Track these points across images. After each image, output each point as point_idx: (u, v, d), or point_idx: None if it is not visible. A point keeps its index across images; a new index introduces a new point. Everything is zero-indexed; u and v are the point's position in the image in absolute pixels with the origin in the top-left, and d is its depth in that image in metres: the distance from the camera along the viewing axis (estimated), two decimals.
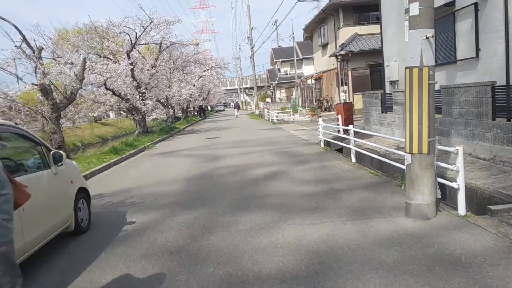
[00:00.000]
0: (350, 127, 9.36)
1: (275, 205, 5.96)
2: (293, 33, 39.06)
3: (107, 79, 18.20)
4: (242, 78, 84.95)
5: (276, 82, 53.08)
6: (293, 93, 47.12)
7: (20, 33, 11.82)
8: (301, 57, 51.94)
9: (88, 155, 36.25)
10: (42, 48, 12.31)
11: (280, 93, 54.44)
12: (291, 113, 27.01)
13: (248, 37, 40.12)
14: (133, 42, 19.11)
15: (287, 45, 60.37)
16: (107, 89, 19.22)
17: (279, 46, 60.90)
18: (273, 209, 5.76)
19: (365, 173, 7.89)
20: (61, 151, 4.95)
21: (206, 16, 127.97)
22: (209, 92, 57.08)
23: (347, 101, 22.29)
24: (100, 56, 19.81)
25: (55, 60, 14.15)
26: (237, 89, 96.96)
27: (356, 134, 13.59)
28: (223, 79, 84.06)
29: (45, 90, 11.43)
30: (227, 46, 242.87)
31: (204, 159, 11.46)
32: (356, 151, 9.29)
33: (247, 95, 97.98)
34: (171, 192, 7.51)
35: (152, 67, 21.83)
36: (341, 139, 12.73)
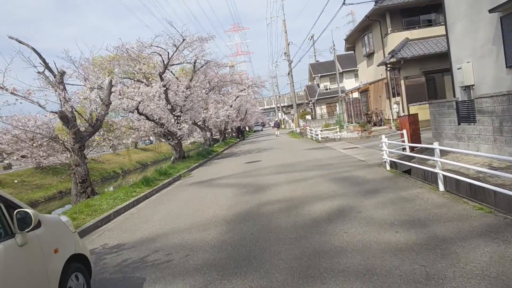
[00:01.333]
0: (435, 144, 7.18)
1: (359, 271, 3.95)
2: (334, 45, 37.22)
3: (139, 103, 16.99)
4: (279, 97, 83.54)
5: (315, 98, 51.04)
6: (337, 108, 44.90)
7: (40, 57, 10.69)
8: (341, 70, 49.80)
9: (123, 183, 35.40)
10: (64, 72, 11.13)
11: (321, 110, 52.25)
12: (338, 129, 24.82)
13: (285, 53, 38.58)
14: (165, 62, 17.90)
15: (325, 60, 58.45)
16: (140, 114, 18.03)
17: (317, 61, 59.08)
18: (358, 280, 3.76)
19: (468, 208, 5.70)
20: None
21: (241, 38, 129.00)
22: (246, 112, 55.94)
23: (402, 113, 19.90)
24: (133, 80, 18.76)
25: (86, 86, 13.02)
26: (274, 108, 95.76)
27: (425, 150, 11.33)
28: (260, 99, 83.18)
29: (65, 118, 10.14)
30: (262, 66, 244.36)
31: (246, 190, 9.60)
32: (445, 176, 7.09)
33: (285, 113, 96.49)
34: (207, 243, 5.66)
35: (186, 88, 20.57)
36: (408, 158, 10.52)
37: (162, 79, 18.17)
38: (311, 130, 30.73)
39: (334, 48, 37.75)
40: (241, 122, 53.20)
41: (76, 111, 11.19)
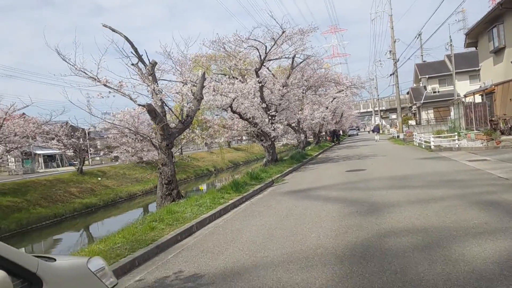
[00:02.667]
0: None
1: None
2: (451, 40, 32.43)
3: (233, 100, 15.89)
4: (377, 100, 78.55)
5: (422, 101, 46.21)
6: (451, 113, 39.98)
7: (132, 46, 9.95)
8: (453, 71, 44.36)
9: (215, 181, 35.15)
10: (156, 63, 10.28)
11: (427, 114, 47.19)
12: (456, 137, 21.25)
13: (390, 51, 35.18)
14: (262, 57, 16.58)
15: (433, 60, 52.81)
16: (234, 112, 16.97)
17: (424, 61, 53.66)
18: None
19: None
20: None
21: (338, 40, 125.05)
22: (342, 115, 53.07)
23: None
24: (227, 76, 17.81)
25: (179, 80, 12.21)
26: (371, 111, 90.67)
27: None
28: (356, 102, 78.85)
29: (153, 112, 9.20)
30: (358, 69, 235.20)
31: (356, 209, 7.60)
32: None
33: (382, 118, 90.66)
34: None
35: (283, 86, 19.07)
36: None
37: (258, 76, 16.90)
38: (419, 136, 27.23)
39: (450, 44, 33.09)
40: (336, 126, 50.58)
41: (166, 105, 10.29)
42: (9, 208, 18.95)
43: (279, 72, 20.57)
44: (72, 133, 27.47)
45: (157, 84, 10.02)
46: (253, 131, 18.79)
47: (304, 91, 22.66)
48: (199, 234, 7.05)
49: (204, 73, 11.23)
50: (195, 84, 12.65)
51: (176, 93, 11.21)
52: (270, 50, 16.41)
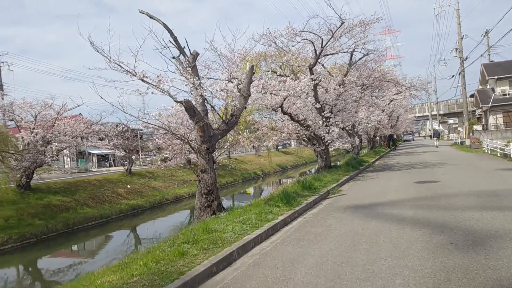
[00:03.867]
0: None
1: None
2: None
3: (284, 100, 14.32)
4: (437, 103, 73.62)
5: (489, 105, 42.01)
6: None
7: (171, 34, 8.68)
8: None
9: (263, 186, 33.66)
10: (197, 54, 8.95)
11: (495, 119, 42.86)
12: None
13: (456, 49, 31.93)
14: (317, 52, 14.87)
15: (502, 59, 48.02)
16: (284, 113, 15.40)
17: (491, 61, 48.98)
18: None
19: None
20: None
21: (392, 42, 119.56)
22: (398, 119, 49.76)
23: None
24: (277, 73, 16.28)
25: (224, 76, 10.83)
26: (427, 116, 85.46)
27: None
28: (410, 105, 74.22)
29: (192, 110, 7.84)
30: (413, 71, 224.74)
31: (448, 239, 5.70)
32: None
33: (440, 122, 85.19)
34: None
35: (339, 85, 17.21)
36: None
37: (312, 73, 15.20)
38: (491, 143, 24.17)
39: None
40: (391, 130, 47.46)
41: (208, 103, 8.92)
42: (57, 208, 18.78)
43: (335, 70, 18.72)
44: (122, 134, 27.36)
45: (198, 78, 8.67)
46: (305, 134, 17.10)
47: (362, 91, 20.56)
48: (241, 264, 5.51)
49: (252, 66, 9.76)
50: (241, 82, 11.25)
51: (221, 90, 9.82)
52: (326, 43, 14.65)
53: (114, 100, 8.13)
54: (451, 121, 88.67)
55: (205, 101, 9.03)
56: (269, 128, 17.54)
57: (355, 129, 26.09)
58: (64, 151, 26.77)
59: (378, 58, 21.70)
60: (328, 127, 16.08)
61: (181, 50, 8.86)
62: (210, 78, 9.57)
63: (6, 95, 31.88)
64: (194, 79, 8.23)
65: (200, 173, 8.44)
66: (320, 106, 15.96)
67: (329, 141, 17.08)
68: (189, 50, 9.00)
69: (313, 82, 14.66)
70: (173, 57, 9.01)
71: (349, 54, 17.04)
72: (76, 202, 20.07)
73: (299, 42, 15.27)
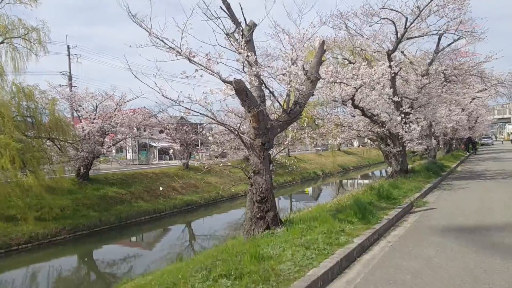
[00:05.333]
0: None
1: None
2: None
3: (357, 90, 12.08)
4: None
5: None
6: None
7: (224, 1, 6.91)
8: None
9: (323, 187, 31.33)
10: (254, 25, 7.11)
11: None
12: None
13: None
14: (399, 34, 12.42)
15: None
16: (355, 106, 13.13)
17: None
18: None
19: None
20: None
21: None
22: (477, 120, 44.55)
23: None
24: (348, 60, 14.04)
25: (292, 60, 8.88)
26: (508, 118, 77.34)
27: None
28: (490, 106, 66.94)
29: (244, 93, 6.02)
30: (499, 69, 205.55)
31: None
32: None
33: None
34: None
35: (422, 76, 14.55)
36: None
37: (390, 59, 12.79)
38: None
39: None
40: (469, 132, 42.59)
41: (265, 87, 7.04)
42: (113, 200, 18.31)
43: (417, 59, 15.91)
44: (181, 127, 26.68)
45: (255, 54, 6.84)
46: (377, 133, 14.67)
47: (445, 84, 17.50)
48: None
49: (323, 42, 7.74)
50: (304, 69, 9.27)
51: (283, 74, 7.90)
52: (411, 24, 12.14)
53: (151, 82, 6.51)
54: None
55: (263, 85, 7.17)
56: (336, 124, 15.32)
57: (432, 129, 22.91)
58: (124, 142, 26.66)
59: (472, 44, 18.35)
60: (407, 125, 13.54)
61: (234, 20, 7.06)
62: (270, 67, 7.66)
63: (75, 86, 32.77)
64: (249, 54, 6.40)
65: (252, 174, 6.64)
66: (399, 99, 13.49)
67: (408, 141, 14.51)
68: (245, 21, 7.19)
69: (392, 70, 12.24)
70: (227, 34, 7.22)
71: (436, 39, 14.28)
72: (131, 194, 19.53)
73: (376, 22, 12.88)
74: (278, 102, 7.48)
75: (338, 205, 9.30)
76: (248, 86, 6.93)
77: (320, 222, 6.71)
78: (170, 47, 6.49)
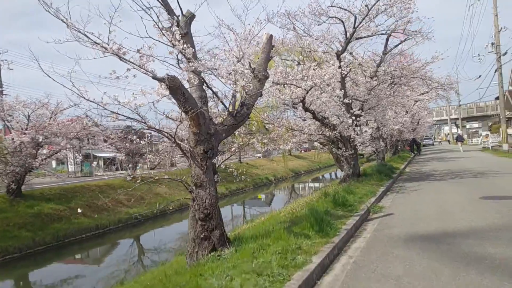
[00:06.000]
0: None
1: None
2: None
3: (308, 92, 11.51)
4: (459, 106, 69.94)
5: None
6: None
7: None
8: None
9: (275, 192, 30.94)
10: (192, 15, 6.18)
11: None
12: None
13: (492, 44, 28.73)
14: (348, 33, 12.03)
15: None
16: (306, 109, 12.57)
17: None
18: None
19: None
20: None
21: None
22: (418, 121, 46.36)
23: None
24: (299, 63, 13.49)
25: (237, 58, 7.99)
26: (445, 120, 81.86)
27: None
28: (430, 109, 70.47)
29: (179, 91, 5.06)
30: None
31: None
32: None
33: (457, 127, 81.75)
34: None
35: (371, 78, 14.33)
36: None
37: (340, 60, 12.38)
38: None
39: None
40: (412, 133, 44.26)
41: (208, 86, 6.12)
42: (49, 217, 16.56)
43: (366, 61, 15.70)
44: (126, 136, 24.99)
45: (194, 48, 5.93)
46: (330, 136, 14.22)
47: (393, 86, 17.50)
48: None
49: (271, 37, 6.99)
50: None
51: (228, 74, 7.03)
52: (360, 23, 11.78)
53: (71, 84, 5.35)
54: (475, 125, 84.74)
55: (204, 85, 6.26)
56: (287, 129, 14.71)
57: (380, 132, 23.11)
58: (61, 154, 24.45)
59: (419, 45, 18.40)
60: (359, 127, 13.19)
61: (168, 9, 6.09)
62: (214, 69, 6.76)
63: (6, 94, 29.76)
64: (185, 47, 5.48)
65: (194, 187, 5.70)
66: (349, 101, 13.11)
67: (359, 144, 14.19)
68: (181, 11, 6.26)
69: (343, 71, 11.81)
70: (157, 25, 6.19)
71: (384, 40, 14.11)
72: (70, 210, 17.84)
73: (325, 21, 12.42)
74: (223, 103, 6.60)
75: (292, 215, 8.60)
76: (187, 85, 6.01)
77: (273, 239, 5.89)
78: (95, 42, 5.40)
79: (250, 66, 6.84)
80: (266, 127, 16.21)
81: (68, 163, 36.04)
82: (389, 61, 15.92)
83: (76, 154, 34.01)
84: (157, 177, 6.10)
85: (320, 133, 14.26)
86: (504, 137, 28.83)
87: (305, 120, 14.57)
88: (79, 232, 16.28)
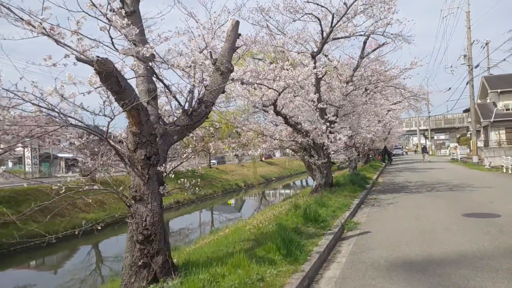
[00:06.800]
0: None
1: None
2: None
3: (280, 93, 10.53)
4: (428, 118, 71.22)
5: (491, 120, 39.09)
6: None
7: None
8: None
9: (245, 199, 29.86)
10: None
11: (497, 135, 39.98)
12: None
13: (465, 56, 28.85)
14: (325, 33, 11.15)
15: (502, 72, 45.53)
16: (278, 113, 11.58)
17: (491, 74, 46.44)
18: None
19: None
20: None
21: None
22: (390, 131, 46.55)
23: None
24: (271, 63, 12.49)
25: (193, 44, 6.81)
26: (414, 130, 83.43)
27: None
28: (401, 119, 71.36)
29: (113, 78, 3.91)
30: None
31: None
32: None
33: (426, 138, 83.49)
34: None
35: (347, 83, 13.53)
36: None
37: (315, 61, 11.49)
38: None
39: None
40: (383, 143, 44.35)
41: (156, 76, 4.99)
42: None
43: (342, 65, 14.87)
44: (87, 135, 23.23)
45: (143, 32, 4.79)
46: (303, 142, 13.28)
47: (369, 92, 16.79)
48: None
49: (236, 23, 5.94)
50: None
51: (188, 67, 5.91)
52: (338, 22, 10.91)
53: None
54: (441, 136, 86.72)
55: (154, 74, 5.11)
56: (257, 134, 13.67)
57: (353, 140, 22.47)
58: (11, 153, 22.55)
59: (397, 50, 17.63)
60: (333, 134, 12.31)
61: None
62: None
63: None
64: (129, 28, 4.33)
65: (133, 202, 4.54)
66: (324, 106, 12.24)
67: (333, 152, 13.31)
68: None
69: (317, 72, 10.90)
70: (106, 13, 4.99)
71: (362, 43, 13.31)
72: (19, 215, 16.06)
73: (299, 19, 11.48)
74: (176, 99, 5.47)
75: (258, 230, 7.54)
76: (132, 75, 4.86)
77: (231, 267, 4.79)
78: (20, 18, 4.17)
79: (211, 56, 5.75)
80: (238, 131, 15.15)
81: (25, 163, 33.83)
82: (366, 66, 15.20)
83: (35, 154, 31.85)
84: (86, 187, 4.88)
85: (292, 139, 13.28)
86: (474, 150, 28.90)
87: (277, 125, 13.61)
88: (23, 241, 14.86)
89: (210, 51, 5.80)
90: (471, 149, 37.26)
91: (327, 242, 6.53)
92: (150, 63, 5.10)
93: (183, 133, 5.37)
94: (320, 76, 11.85)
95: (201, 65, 5.96)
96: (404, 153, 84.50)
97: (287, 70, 10.43)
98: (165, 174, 4.90)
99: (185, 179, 5.11)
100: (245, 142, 14.33)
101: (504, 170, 21.55)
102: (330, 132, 12.36)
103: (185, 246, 12.65)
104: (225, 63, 5.65)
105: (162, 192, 4.72)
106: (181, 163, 5.57)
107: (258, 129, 12.92)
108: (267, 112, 12.66)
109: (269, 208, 13.31)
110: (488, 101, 43.31)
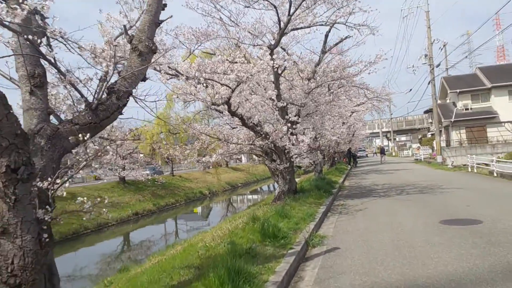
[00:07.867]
0: None
1: None
2: None
3: (233, 90, 9.23)
4: (391, 119, 72.29)
5: (452, 119, 39.53)
6: (487, 134, 34.04)
7: None
8: (489, 86, 38.64)
9: (211, 205, 28.31)
10: None
11: (458, 135, 40.49)
12: None
13: (426, 55, 28.74)
14: (282, 23, 9.97)
15: (460, 73, 46.60)
16: (232, 113, 10.25)
17: (449, 75, 47.35)
18: None
19: None
20: None
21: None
22: (354, 133, 46.36)
23: None
24: (220, 56, 11.17)
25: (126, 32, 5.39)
26: (377, 132, 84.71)
27: None
28: (365, 121, 71.97)
29: None
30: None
31: None
32: None
33: (388, 139, 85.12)
34: None
35: (308, 80, 12.42)
36: None
37: (272, 54, 10.29)
38: (472, 160, 20.61)
39: None
40: (348, 145, 44.08)
41: (43, 56, 3.58)
42: None
43: (303, 61, 13.77)
44: None
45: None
46: (263, 146, 12.01)
47: (332, 92, 15.76)
48: None
49: None
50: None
51: (101, 51, 4.48)
52: (296, 10, 9.76)
53: None
54: (403, 138, 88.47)
55: (41, 54, 3.66)
56: (213, 138, 12.28)
57: (318, 143, 21.51)
58: None
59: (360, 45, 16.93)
60: (295, 136, 11.11)
61: None
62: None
63: None
64: None
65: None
66: (284, 105, 11.04)
67: (296, 156, 12.13)
68: None
69: (275, 64, 9.66)
70: None
71: (324, 36, 12.26)
72: None
73: (253, 5, 10.22)
74: (74, 86, 4.02)
75: (206, 252, 6.23)
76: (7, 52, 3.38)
77: None
78: None
79: (126, 31, 4.34)
80: (191, 137, 13.71)
81: None
82: (329, 62, 14.15)
83: None
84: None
85: (250, 143, 11.97)
86: (438, 149, 28.76)
87: (235, 127, 12.31)
88: None
89: (124, 25, 4.39)
90: (434, 149, 37.52)
91: (287, 266, 5.23)
92: (35, 38, 3.63)
93: (86, 134, 3.91)
94: (279, 71, 10.66)
95: (116, 46, 4.56)
96: (366, 155, 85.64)
97: (240, 63, 9.17)
98: (51, 192, 3.43)
99: (85, 198, 3.67)
100: (200, 147, 12.94)
101: (469, 169, 21.23)
102: (291, 133, 11.16)
103: (135, 265, 11.18)
104: (144, 40, 4.27)
105: (43, 217, 3.26)
106: (69, 178, 4.10)
107: (211, 133, 11.55)
108: (221, 112, 11.35)
109: (224, 223, 11.99)
110: (448, 101, 43.96)
